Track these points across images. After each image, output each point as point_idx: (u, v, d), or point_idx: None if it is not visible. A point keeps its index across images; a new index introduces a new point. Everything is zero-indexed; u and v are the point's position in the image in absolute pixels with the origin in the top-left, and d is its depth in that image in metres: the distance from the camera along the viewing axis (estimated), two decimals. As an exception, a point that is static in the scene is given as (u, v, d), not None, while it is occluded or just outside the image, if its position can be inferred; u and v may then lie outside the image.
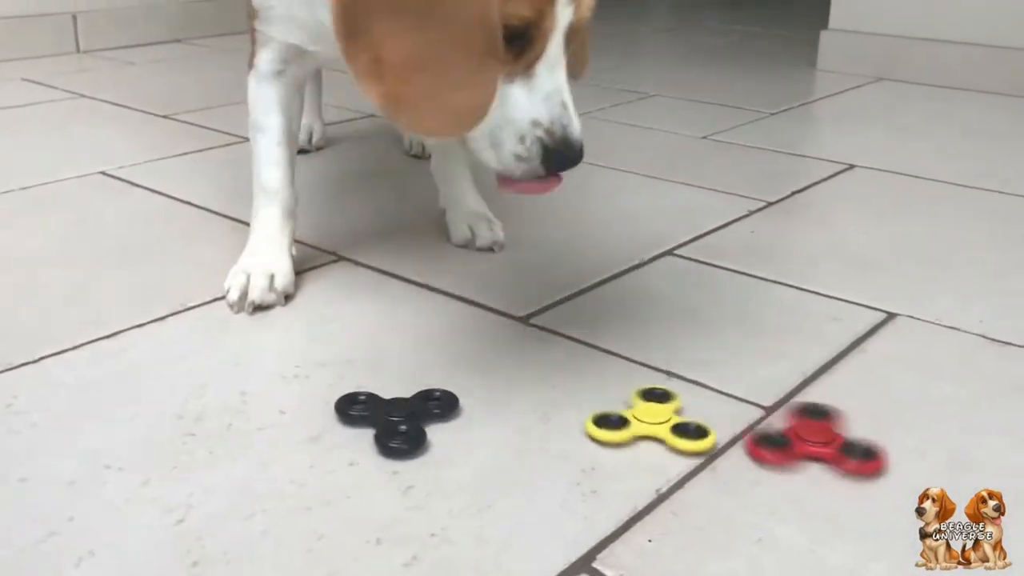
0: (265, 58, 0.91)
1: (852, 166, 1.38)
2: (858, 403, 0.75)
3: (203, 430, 0.71)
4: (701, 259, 1.04)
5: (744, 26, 2.72)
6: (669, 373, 0.80)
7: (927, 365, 0.82)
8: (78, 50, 2.19)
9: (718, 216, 1.17)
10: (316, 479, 0.65)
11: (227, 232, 1.10)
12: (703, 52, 2.33)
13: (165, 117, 1.63)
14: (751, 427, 0.72)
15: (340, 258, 1.03)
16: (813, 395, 0.77)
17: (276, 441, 0.70)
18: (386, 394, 0.74)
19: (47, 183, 1.27)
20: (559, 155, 0.70)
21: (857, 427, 0.71)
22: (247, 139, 0.97)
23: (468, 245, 1.06)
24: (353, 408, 0.71)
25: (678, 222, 1.15)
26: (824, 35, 2.08)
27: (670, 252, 1.06)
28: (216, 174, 1.31)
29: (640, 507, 0.63)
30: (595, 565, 0.58)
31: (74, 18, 2.17)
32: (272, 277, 0.91)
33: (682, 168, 1.37)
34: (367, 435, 0.70)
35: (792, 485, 0.65)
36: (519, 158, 0.71)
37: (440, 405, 0.72)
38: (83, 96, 1.78)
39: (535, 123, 0.70)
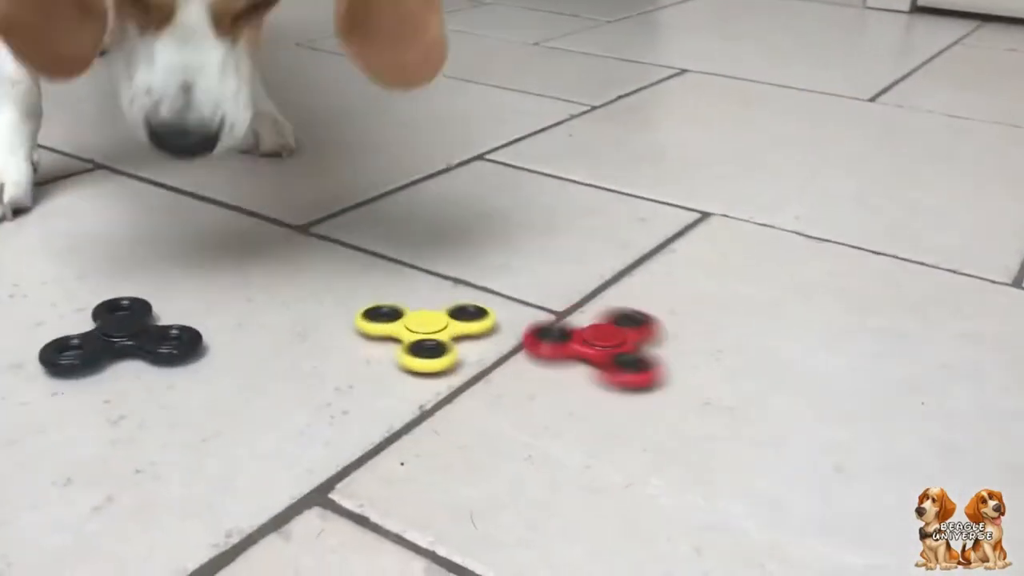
0: None
1: (684, 71, 1.32)
2: (654, 305, 0.68)
3: None
4: (512, 163, 0.96)
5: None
6: (456, 280, 0.71)
7: (736, 264, 0.76)
8: None
9: (537, 120, 1.09)
10: (3, 413, 0.54)
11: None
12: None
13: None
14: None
15: (97, 166, 0.90)
16: (609, 298, 0.70)
17: (-34, 372, 0.58)
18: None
19: None
20: (166, 139, 0.62)
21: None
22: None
23: (251, 151, 0.94)
24: (65, 356, 0.58)
25: (494, 127, 1.06)
26: (668, -55, 2.01)
27: (480, 157, 0.97)
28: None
29: (397, 427, 0.54)
30: (332, 496, 0.49)
31: None
32: (2, 187, 0.78)
33: (506, 73, 1.27)
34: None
35: (571, 398, 0.58)
36: (134, 125, 0.63)
37: (179, 345, 0.60)
38: None
39: (146, 91, 0.61)
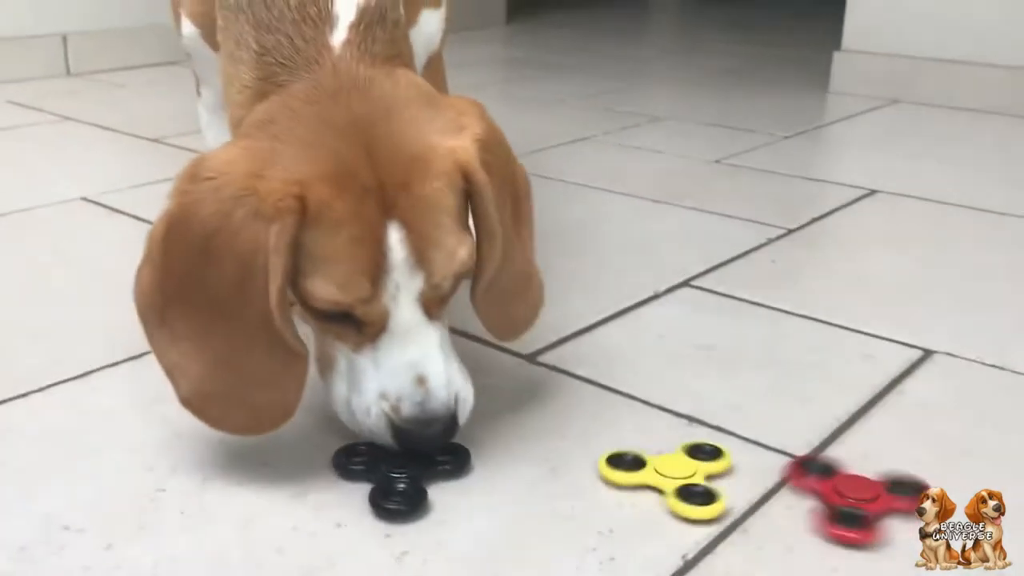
0: (207, 92, 0.85)
1: (873, 191, 1.32)
2: (900, 453, 0.68)
3: (176, 485, 0.64)
4: (720, 291, 0.98)
5: (751, 48, 2.67)
6: (691, 419, 0.73)
7: (973, 410, 0.75)
8: (68, 72, 2.13)
9: (736, 244, 1.10)
10: (298, 543, 0.58)
11: (213, 262, 1.03)
12: (711, 74, 2.27)
13: (155, 141, 1.57)
14: (781, 482, 0.65)
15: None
16: (849, 443, 0.70)
17: (256, 499, 0.63)
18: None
19: (22, 209, 1.20)
20: (409, 434, 0.62)
21: (902, 482, 0.64)
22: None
23: None
24: (353, 461, 0.64)
25: (694, 250, 1.08)
26: (837, 56, 2.02)
27: (687, 283, 1.00)
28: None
29: (665, 577, 0.56)
30: (616, 649, 0.50)
31: (64, 39, 2.11)
32: None
33: (695, 193, 1.30)
34: (358, 493, 0.62)
35: (831, 550, 0.58)
36: (373, 432, 0.64)
37: (452, 461, 0.65)
38: (70, 119, 1.72)
39: (381, 396, 0.63)
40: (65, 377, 0.78)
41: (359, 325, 0.62)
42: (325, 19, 0.64)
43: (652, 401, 0.75)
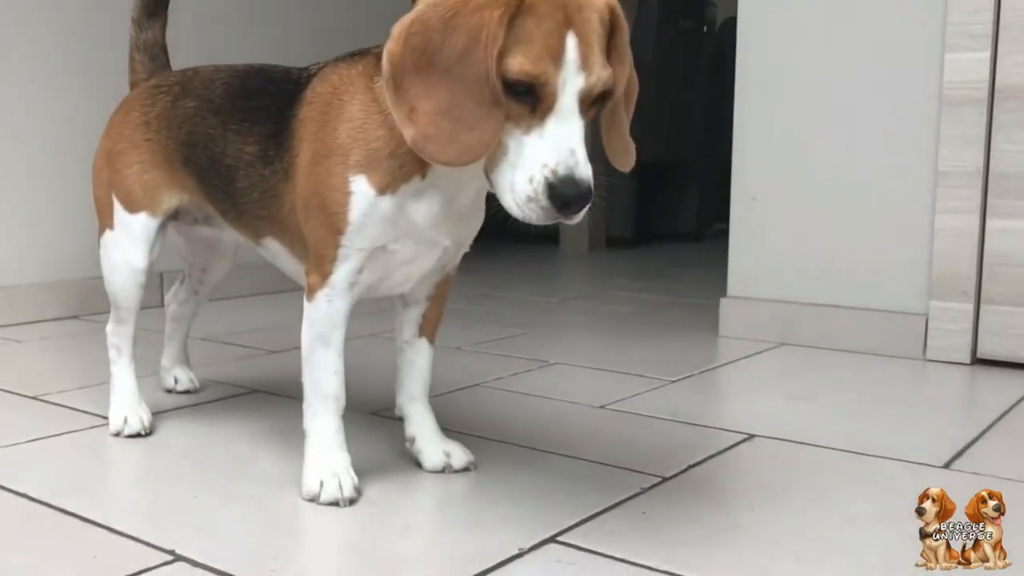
0: (345, 270, 1.03)
1: (751, 436, 1.33)
2: None
3: None
4: (586, 547, 0.95)
5: (652, 294, 2.78)
6: None
7: None
8: (-38, 328, 2.10)
9: (608, 494, 1.09)
10: None
11: (55, 530, 0.97)
12: (608, 320, 2.34)
13: (33, 398, 1.53)
14: None
15: (177, 558, 0.91)
16: None
17: None
18: None
19: None
20: (564, 192, 0.85)
21: None
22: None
23: (446, 469, 1.15)
24: None
25: (564, 502, 1.06)
26: (724, 302, 2.11)
27: (553, 539, 0.97)
28: (62, 462, 1.19)
29: None
30: None
31: (-39, 295, 2.10)
32: (339, 479, 1.04)
33: (574, 440, 1.30)
34: None
35: None
36: (530, 199, 0.86)
37: None
38: (-50, 376, 1.67)
39: (543, 165, 0.86)
40: None
41: (535, 105, 0.87)
42: None
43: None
